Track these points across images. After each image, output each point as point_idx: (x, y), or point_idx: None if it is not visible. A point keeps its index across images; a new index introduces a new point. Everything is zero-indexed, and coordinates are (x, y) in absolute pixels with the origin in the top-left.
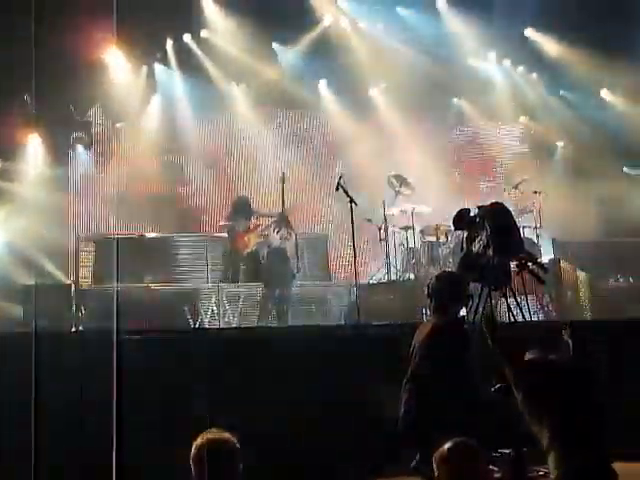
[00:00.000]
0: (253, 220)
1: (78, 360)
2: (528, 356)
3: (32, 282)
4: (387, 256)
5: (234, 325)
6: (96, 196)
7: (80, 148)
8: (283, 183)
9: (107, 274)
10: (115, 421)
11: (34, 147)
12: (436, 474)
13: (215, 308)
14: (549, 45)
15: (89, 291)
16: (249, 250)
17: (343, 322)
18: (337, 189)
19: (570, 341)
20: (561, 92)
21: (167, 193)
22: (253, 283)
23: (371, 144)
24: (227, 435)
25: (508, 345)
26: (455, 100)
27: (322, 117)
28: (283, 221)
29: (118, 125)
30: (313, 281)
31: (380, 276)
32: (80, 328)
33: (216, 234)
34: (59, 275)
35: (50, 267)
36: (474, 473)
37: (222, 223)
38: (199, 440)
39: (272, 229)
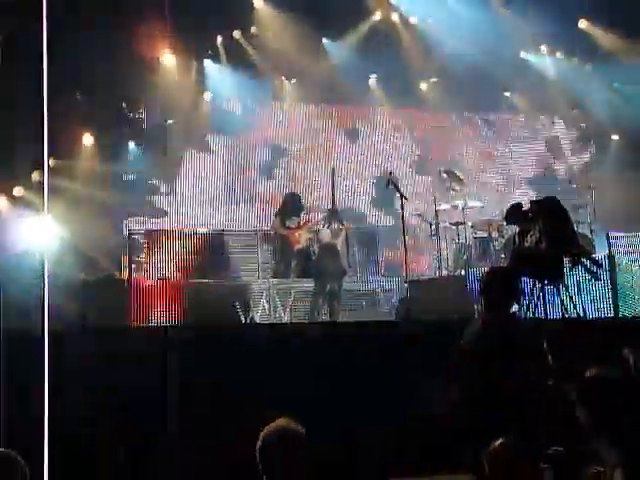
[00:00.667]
0: (304, 216)
1: (133, 357)
2: (591, 372)
3: (88, 278)
4: (438, 252)
5: (285, 320)
6: (149, 192)
7: (132, 145)
8: (333, 178)
9: (161, 269)
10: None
11: (87, 144)
12: (486, 471)
13: (266, 303)
14: (603, 37)
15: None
16: (300, 246)
17: (394, 318)
18: (387, 186)
19: (631, 356)
20: (615, 85)
21: (217, 190)
22: (304, 279)
23: (421, 139)
24: (294, 424)
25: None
26: (506, 93)
27: (371, 112)
28: (333, 216)
29: (169, 122)
30: (364, 277)
31: (431, 272)
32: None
33: (267, 231)
34: (113, 270)
35: (105, 263)
36: (525, 470)
37: (274, 220)
38: (266, 431)
39: (322, 224)
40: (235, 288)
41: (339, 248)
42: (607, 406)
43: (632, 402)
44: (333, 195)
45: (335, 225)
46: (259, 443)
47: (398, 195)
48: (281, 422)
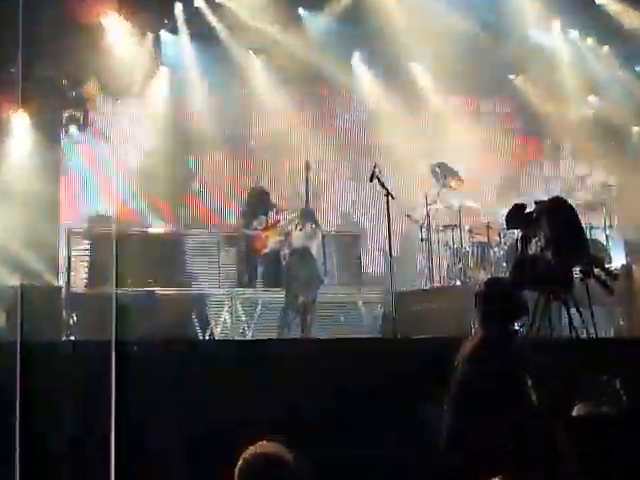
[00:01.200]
0: (272, 215)
1: (69, 375)
2: (579, 410)
3: (17, 283)
4: (429, 259)
5: (249, 337)
6: (92, 185)
7: (74, 128)
8: (308, 172)
9: (104, 276)
10: (114, 447)
11: (20, 127)
12: None
13: (228, 316)
14: (624, 13)
15: (82, 295)
16: (267, 250)
17: (377, 335)
18: (371, 180)
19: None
20: (637, 68)
21: (174, 183)
22: (272, 289)
23: (412, 128)
24: (281, 452)
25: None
26: (512, 77)
27: (354, 95)
28: (307, 216)
29: (118, 101)
30: (342, 287)
31: (421, 282)
32: (72, 338)
33: (229, 231)
34: (48, 276)
35: (38, 267)
36: None
37: (237, 219)
38: (250, 452)
39: (294, 225)
40: (191, 298)
41: (314, 253)
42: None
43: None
44: (307, 191)
45: (309, 226)
46: (240, 463)
47: (383, 192)
48: (265, 445)
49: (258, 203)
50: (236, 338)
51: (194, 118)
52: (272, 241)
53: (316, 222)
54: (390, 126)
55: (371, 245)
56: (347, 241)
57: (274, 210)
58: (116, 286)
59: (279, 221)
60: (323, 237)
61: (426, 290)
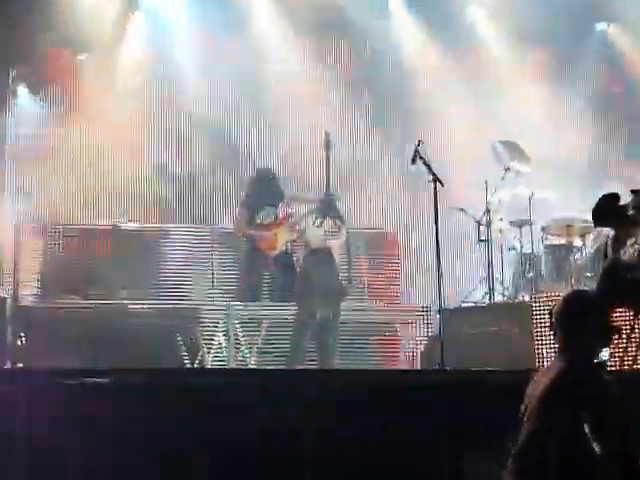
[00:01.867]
0: (282, 206)
1: (14, 410)
2: None
3: None
4: (489, 265)
5: (252, 365)
6: (46, 164)
7: (24, 91)
8: (328, 149)
9: (61, 284)
10: None
11: None
12: None
13: (224, 339)
14: None
15: (34, 309)
16: (277, 252)
17: (419, 366)
18: (413, 162)
19: None
20: None
21: (155, 164)
22: (282, 303)
23: (467, 94)
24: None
25: None
26: (599, 26)
27: (390, 46)
28: (328, 208)
29: (81, 58)
30: (373, 301)
31: (478, 296)
32: (19, 365)
33: (227, 227)
34: None
35: None
36: None
37: (236, 211)
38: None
39: (312, 220)
40: (176, 315)
41: (336, 257)
42: None
43: None
44: (327, 175)
45: (331, 222)
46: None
47: (429, 177)
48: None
49: (264, 191)
50: (234, 366)
51: (178, 79)
52: (282, 241)
53: (340, 216)
54: (438, 91)
55: (412, 247)
56: (380, 241)
57: (285, 200)
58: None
59: (291, 215)
60: (349, 236)
61: (484, 307)
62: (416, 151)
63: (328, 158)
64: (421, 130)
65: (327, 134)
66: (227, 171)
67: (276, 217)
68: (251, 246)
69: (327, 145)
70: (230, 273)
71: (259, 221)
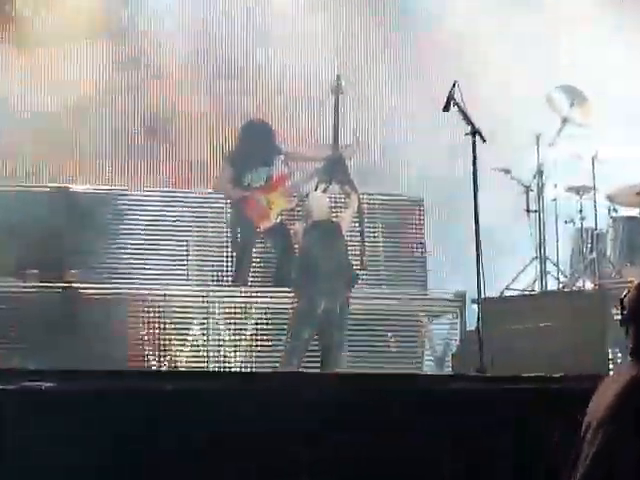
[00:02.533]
0: (278, 167)
1: None
2: None
3: None
4: (541, 243)
5: (235, 367)
6: None
7: None
8: (338, 95)
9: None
10: None
11: None
12: None
13: (201, 334)
14: None
15: None
16: (269, 224)
17: (450, 370)
18: (446, 108)
19: None
20: None
21: (116, 116)
22: (276, 288)
23: (511, 23)
24: None
25: None
26: None
27: None
28: (335, 170)
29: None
30: (393, 288)
31: (527, 282)
32: None
33: (209, 192)
34: None
35: None
36: None
37: (220, 170)
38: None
39: (315, 184)
40: (140, 303)
41: (345, 231)
42: None
43: None
44: (336, 128)
45: (338, 187)
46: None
47: (467, 129)
48: None
49: (256, 146)
50: (213, 368)
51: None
52: (277, 209)
53: (349, 180)
54: (477, 15)
55: (443, 219)
56: (401, 211)
57: (282, 159)
58: None
59: (289, 176)
60: (361, 204)
61: (533, 295)
62: (450, 95)
63: (336, 105)
64: (453, 71)
65: (338, 77)
66: (208, 122)
67: (269, 179)
68: (237, 215)
69: (337, 90)
70: (209, 249)
71: (247, 183)
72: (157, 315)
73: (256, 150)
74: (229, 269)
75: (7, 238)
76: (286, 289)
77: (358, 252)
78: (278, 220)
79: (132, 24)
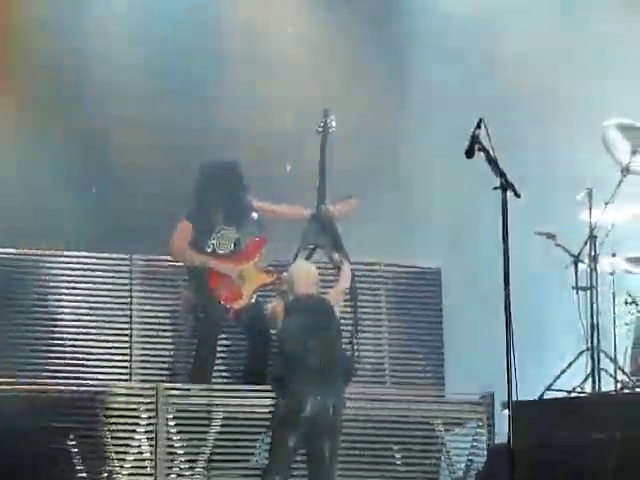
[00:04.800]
0: (252, 226)
1: None
2: None
3: None
4: (594, 329)
5: None
6: None
7: None
8: (325, 125)
9: None
10: None
11: None
12: None
13: (148, 443)
14: None
15: None
16: (243, 304)
17: None
18: (469, 153)
19: None
20: None
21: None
22: (247, 387)
23: (555, 45)
24: None
25: None
26: None
27: None
28: (321, 232)
29: None
30: (398, 385)
31: (574, 382)
32: None
33: (157, 257)
34: None
35: None
36: None
37: (178, 228)
38: None
39: (296, 251)
40: (68, 402)
41: (337, 312)
42: None
43: None
44: (322, 177)
45: (326, 254)
46: None
47: (496, 182)
48: None
49: (221, 195)
50: None
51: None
52: (252, 285)
53: (340, 246)
54: (509, 37)
55: (464, 296)
56: (410, 286)
57: (255, 217)
58: None
59: (264, 241)
60: (352, 276)
61: (584, 400)
62: (473, 138)
63: (323, 147)
64: (481, 109)
65: (326, 111)
66: (161, 167)
67: (239, 243)
68: (197, 290)
69: (325, 126)
70: (162, 334)
71: (213, 247)
72: (90, 419)
73: (221, 202)
74: (186, 361)
75: None
76: (262, 387)
77: (352, 338)
78: (253, 299)
79: None
